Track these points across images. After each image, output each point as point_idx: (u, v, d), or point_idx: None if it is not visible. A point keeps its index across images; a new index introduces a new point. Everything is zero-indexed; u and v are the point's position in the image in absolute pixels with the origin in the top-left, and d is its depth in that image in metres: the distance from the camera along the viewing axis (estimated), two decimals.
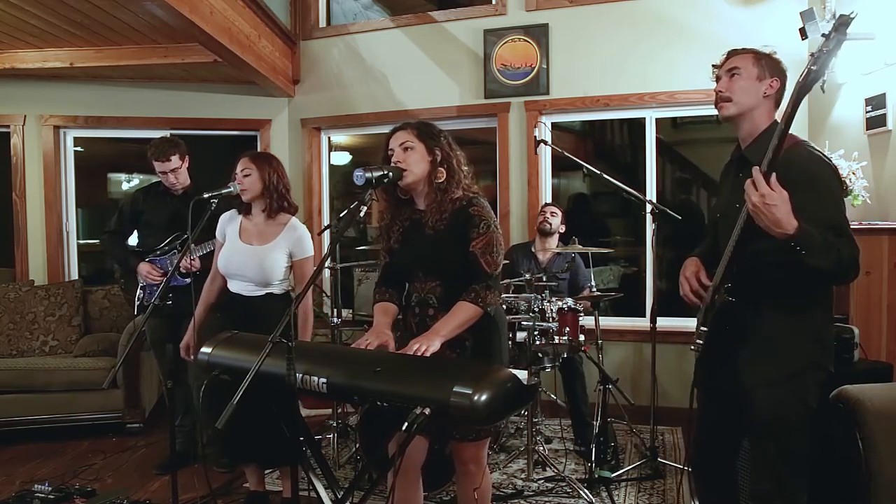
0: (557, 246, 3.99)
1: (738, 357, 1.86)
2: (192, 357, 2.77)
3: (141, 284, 3.38)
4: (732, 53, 1.91)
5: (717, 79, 1.91)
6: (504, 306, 3.37)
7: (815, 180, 1.71)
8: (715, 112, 1.95)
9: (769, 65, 1.86)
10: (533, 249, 4.08)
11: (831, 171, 1.78)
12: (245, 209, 2.77)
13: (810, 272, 1.64)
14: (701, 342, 1.90)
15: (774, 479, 1.84)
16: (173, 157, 3.29)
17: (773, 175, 1.57)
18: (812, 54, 1.51)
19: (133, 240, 3.56)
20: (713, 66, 1.96)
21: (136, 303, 3.41)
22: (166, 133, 3.82)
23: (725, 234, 1.83)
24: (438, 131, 2.08)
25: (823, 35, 1.48)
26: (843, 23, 1.45)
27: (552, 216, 3.99)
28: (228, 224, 2.79)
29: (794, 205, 1.58)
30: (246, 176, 2.67)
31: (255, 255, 2.66)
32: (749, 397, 1.84)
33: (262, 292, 2.69)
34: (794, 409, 1.81)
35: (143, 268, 3.33)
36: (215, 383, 1.97)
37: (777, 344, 1.81)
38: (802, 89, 1.54)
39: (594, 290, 3.69)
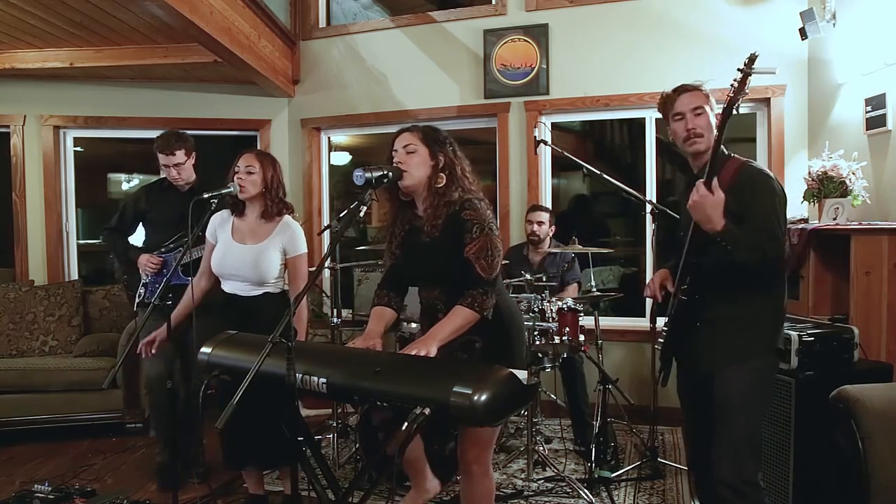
0: (551, 245, 4.00)
1: (703, 343, 2.07)
2: (147, 354, 2.73)
3: (143, 282, 3.35)
4: (683, 90, 2.12)
5: (675, 115, 2.11)
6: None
7: (756, 191, 1.97)
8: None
9: (713, 102, 2.12)
10: (525, 252, 4.08)
11: (771, 184, 2.00)
12: (238, 210, 2.74)
13: (739, 265, 1.90)
14: (662, 341, 2.18)
15: (736, 464, 1.98)
16: (178, 151, 3.22)
17: (714, 180, 1.89)
18: (731, 84, 1.86)
19: (139, 238, 3.52)
20: (667, 96, 2.16)
21: (137, 299, 3.38)
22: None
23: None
24: (445, 137, 2.07)
25: (738, 69, 1.85)
26: (751, 59, 1.83)
27: (539, 226, 3.95)
28: (220, 226, 2.76)
29: (741, 210, 1.91)
30: (249, 174, 2.64)
31: (250, 254, 2.65)
32: (715, 379, 2.04)
33: (259, 292, 2.68)
34: (755, 387, 2.01)
35: (143, 258, 3.27)
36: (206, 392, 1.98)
37: (737, 327, 2.02)
38: (726, 113, 1.89)
39: (594, 289, 3.69)
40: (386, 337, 2.13)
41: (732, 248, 1.88)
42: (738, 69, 1.85)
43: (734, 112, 1.89)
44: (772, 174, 2.07)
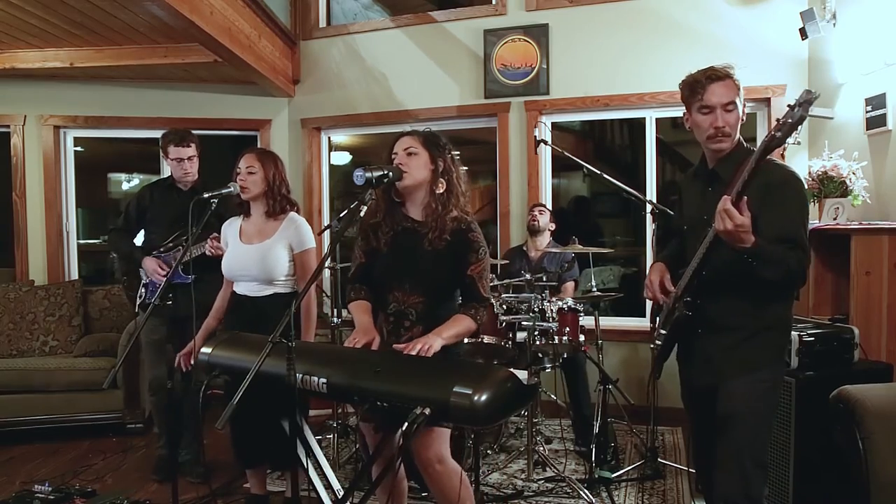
0: (549, 244, 4.02)
1: (707, 351, 1.98)
2: (188, 366, 2.69)
3: (144, 282, 3.35)
4: (716, 78, 1.89)
5: (702, 108, 1.91)
6: (505, 307, 3.39)
7: (786, 196, 1.84)
8: None
9: (742, 91, 1.93)
10: (525, 249, 4.12)
11: (802, 186, 1.90)
12: (245, 212, 2.74)
13: (760, 280, 1.77)
14: (659, 343, 2.07)
15: (742, 482, 1.89)
16: (192, 144, 3.27)
17: (745, 199, 1.68)
18: (778, 120, 1.59)
19: (139, 238, 3.52)
20: (695, 81, 1.94)
21: (138, 300, 3.38)
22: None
23: (692, 245, 1.93)
24: (445, 144, 2.10)
25: (789, 105, 1.56)
26: (807, 100, 1.54)
27: (540, 214, 4.06)
28: (230, 230, 2.77)
29: (766, 214, 1.76)
30: (250, 174, 2.64)
31: (256, 253, 2.64)
32: (720, 391, 1.94)
33: (269, 292, 2.66)
34: (763, 400, 1.91)
35: (150, 264, 3.25)
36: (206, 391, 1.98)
37: (744, 337, 1.92)
38: (765, 152, 1.64)
39: (594, 289, 3.69)
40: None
41: (758, 265, 1.73)
42: (789, 105, 1.57)
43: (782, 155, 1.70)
44: (796, 173, 1.92)
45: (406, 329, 2.07)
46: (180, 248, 3.27)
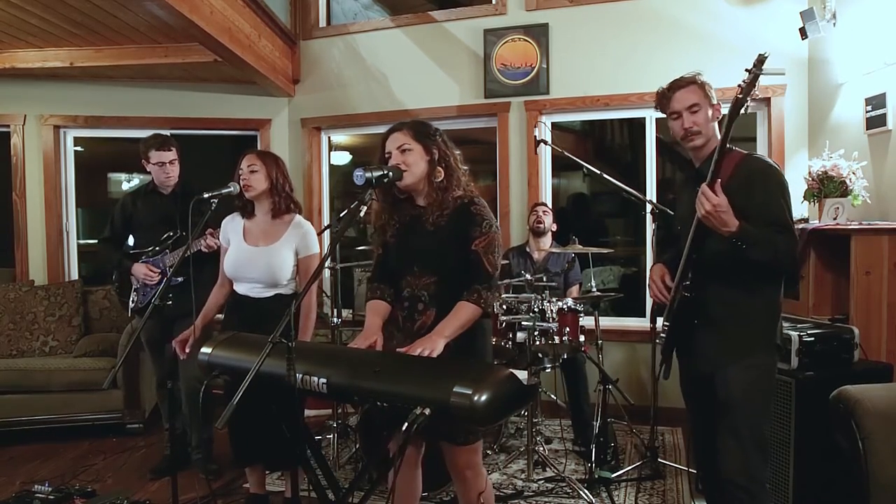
0: (551, 245, 4.02)
1: (702, 342, 2.08)
2: (184, 353, 2.67)
3: (134, 287, 3.37)
4: (677, 87, 2.10)
5: (671, 114, 2.11)
6: (504, 307, 3.39)
7: (769, 183, 1.98)
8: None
9: (710, 92, 2.10)
10: (528, 249, 4.11)
11: (781, 176, 2.04)
12: (248, 211, 2.74)
13: (752, 264, 1.91)
14: (664, 336, 2.15)
15: (745, 463, 1.97)
16: (173, 148, 3.31)
17: (718, 182, 1.87)
18: (739, 85, 1.84)
19: (130, 242, 3.55)
20: (662, 94, 2.15)
21: (131, 305, 3.40)
22: (167, 133, 3.82)
23: (686, 240, 2.05)
24: (434, 130, 2.09)
25: (746, 70, 1.83)
26: (760, 60, 1.82)
27: (545, 215, 4.05)
28: (231, 227, 2.76)
29: (752, 202, 1.92)
30: (252, 172, 2.63)
31: (263, 256, 2.64)
32: (716, 378, 2.03)
33: (271, 293, 2.66)
34: (757, 384, 2.01)
35: (140, 269, 3.29)
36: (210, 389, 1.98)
37: (735, 325, 2.03)
38: (732, 114, 1.85)
39: (594, 289, 3.69)
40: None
41: (748, 248, 1.87)
42: (747, 70, 1.83)
43: (742, 112, 1.86)
44: (774, 163, 2.07)
45: (420, 312, 2.05)
46: (167, 251, 3.29)
